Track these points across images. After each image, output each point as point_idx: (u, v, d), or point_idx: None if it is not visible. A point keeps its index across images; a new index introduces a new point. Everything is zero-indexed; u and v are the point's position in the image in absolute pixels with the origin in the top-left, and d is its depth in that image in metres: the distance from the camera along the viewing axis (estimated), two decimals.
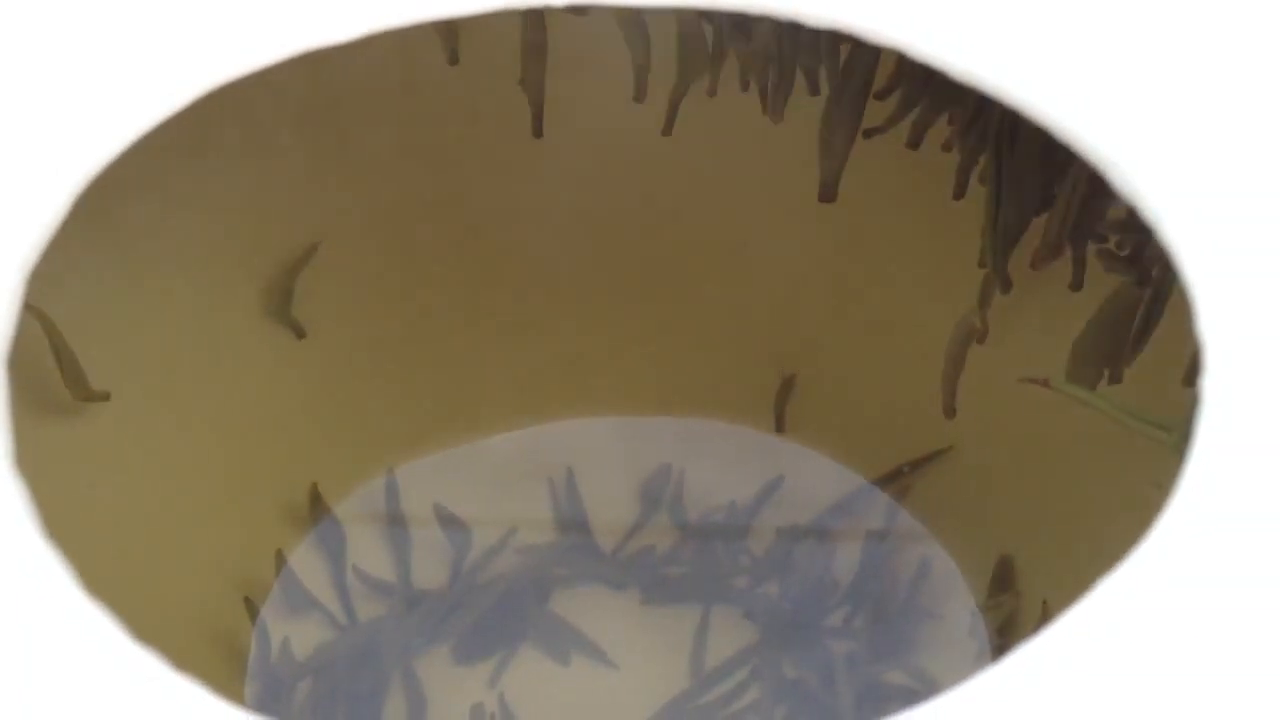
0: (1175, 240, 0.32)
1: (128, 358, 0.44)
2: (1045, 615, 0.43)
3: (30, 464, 0.29)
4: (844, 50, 0.44)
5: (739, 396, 0.48)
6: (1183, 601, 0.29)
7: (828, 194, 0.46)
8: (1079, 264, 0.43)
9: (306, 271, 0.46)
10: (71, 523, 0.31)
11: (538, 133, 0.46)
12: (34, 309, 0.41)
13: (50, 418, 0.42)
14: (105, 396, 0.43)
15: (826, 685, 0.44)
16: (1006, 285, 0.44)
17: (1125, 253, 0.42)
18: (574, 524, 0.47)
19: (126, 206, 0.43)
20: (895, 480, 0.47)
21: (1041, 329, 0.44)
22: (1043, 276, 0.44)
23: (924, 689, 0.44)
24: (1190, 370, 0.39)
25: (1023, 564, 0.45)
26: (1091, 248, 0.43)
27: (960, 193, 0.45)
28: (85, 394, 0.43)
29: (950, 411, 0.46)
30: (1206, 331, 0.31)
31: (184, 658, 0.29)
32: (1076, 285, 0.43)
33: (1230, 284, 0.31)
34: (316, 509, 0.47)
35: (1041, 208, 0.43)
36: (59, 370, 0.42)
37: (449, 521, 0.47)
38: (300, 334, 0.46)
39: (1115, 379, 0.42)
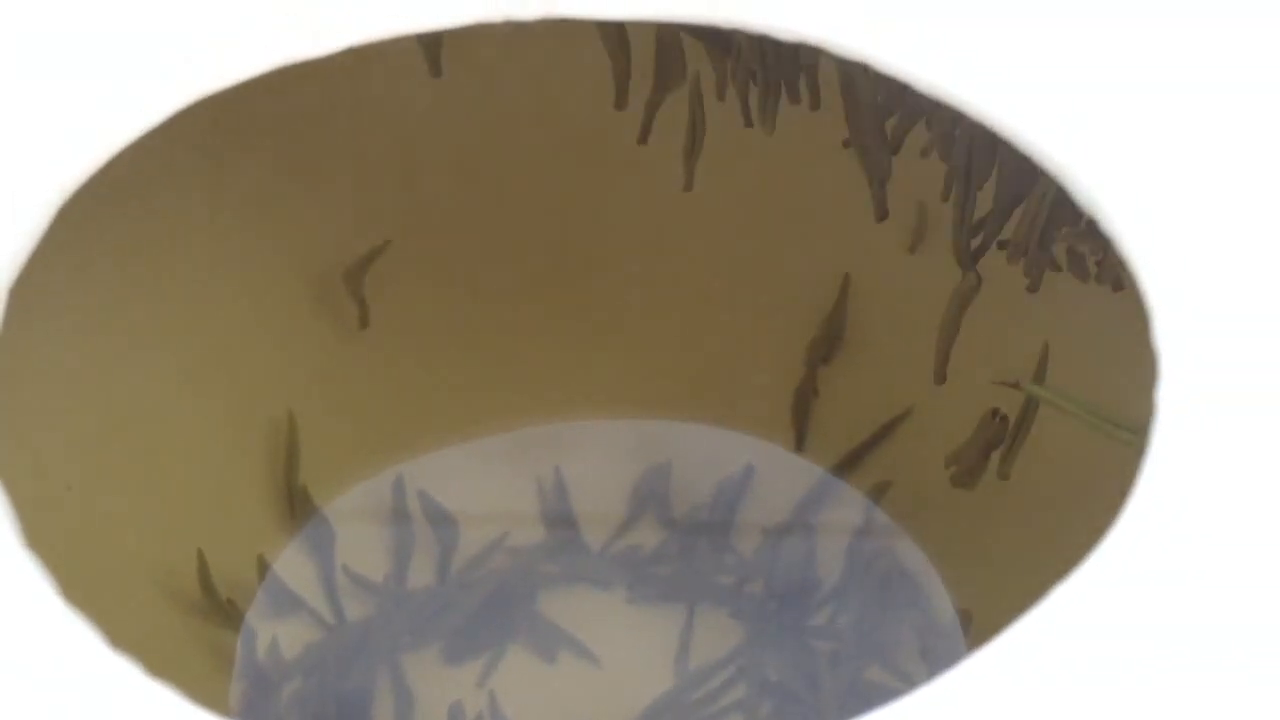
0: (1133, 250, 0.32)
1: (113, 358, 0.44)
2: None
3: (7, 468, 0.29)
4: (828, 64, 0.44)
5: (726, 398, 0.49)
6: (1142, 599, 0.29)
7: (882, 212, 0.46)
8: (1038, 268, 0.43)
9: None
10: (50, 527, 0.31)
11: (364, 324, 0.47)
12: None
13: (30, 419, 0.42)
14: (238, 612, 0.45)
15: (810, 684, 0.44)
16: (977, 284, 0.45)
17: (1094, 260, 0.43)
18: (561, 523, 0.47)
19: (105, 214, 0.43)
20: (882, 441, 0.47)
21: (1007, 329, 0.45)
22: (1012, 278, 0.44)
23: (905, 688, 0.44)
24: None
25: (1001, 565, 0.45)
26: (1058, 252, 0.43)
27: (945, 196, 0.45)
28: (220, 615, 0.44)
29: (941, 378, 0.46)
30: (1163, 341, 0.31)
31: (168, 659, 0.29)
32: (1033, 288, 0.44)
33: (1188, 294, 0.32)
34: (305, 508, 0.47)
35: (1011, 211, 0.44)
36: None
37: (438, 521, 0.47)
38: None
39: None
